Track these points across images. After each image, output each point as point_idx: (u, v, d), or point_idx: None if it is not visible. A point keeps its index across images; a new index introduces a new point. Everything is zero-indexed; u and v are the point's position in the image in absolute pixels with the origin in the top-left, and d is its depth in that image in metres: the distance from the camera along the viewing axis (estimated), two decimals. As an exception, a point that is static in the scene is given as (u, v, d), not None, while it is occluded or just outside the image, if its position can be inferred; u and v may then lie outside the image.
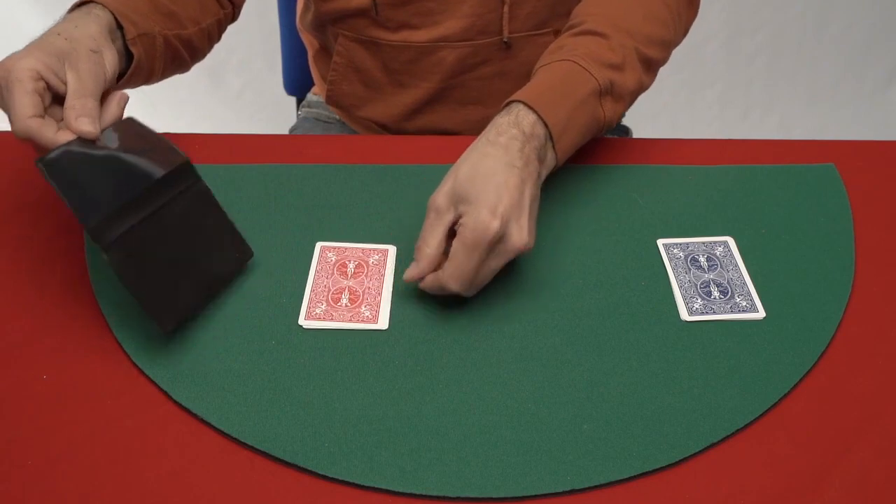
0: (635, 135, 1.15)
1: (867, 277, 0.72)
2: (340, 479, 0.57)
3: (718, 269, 0.73)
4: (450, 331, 0.67)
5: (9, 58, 0.62)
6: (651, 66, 0.80)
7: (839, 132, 1.97)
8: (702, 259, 0.74)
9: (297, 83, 1.26)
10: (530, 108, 0.70)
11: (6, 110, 0.62)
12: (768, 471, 0.59)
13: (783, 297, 0.70)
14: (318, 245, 0.73)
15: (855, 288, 0.72)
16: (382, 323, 0.67)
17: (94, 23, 0.68)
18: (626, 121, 1.15)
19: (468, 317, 0.68)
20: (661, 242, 0.75)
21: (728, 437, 0.61)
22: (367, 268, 0.72)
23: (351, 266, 0.72)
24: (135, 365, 0.64)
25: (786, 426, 0.62)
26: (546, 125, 0.70)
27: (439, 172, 0.81)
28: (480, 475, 0.58)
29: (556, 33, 0.93)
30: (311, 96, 1.14)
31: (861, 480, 0.58)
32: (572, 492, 0.57)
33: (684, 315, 0.69)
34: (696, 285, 0.71)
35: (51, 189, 0.78)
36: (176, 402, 0.62)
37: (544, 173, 0.70)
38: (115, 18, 0.70)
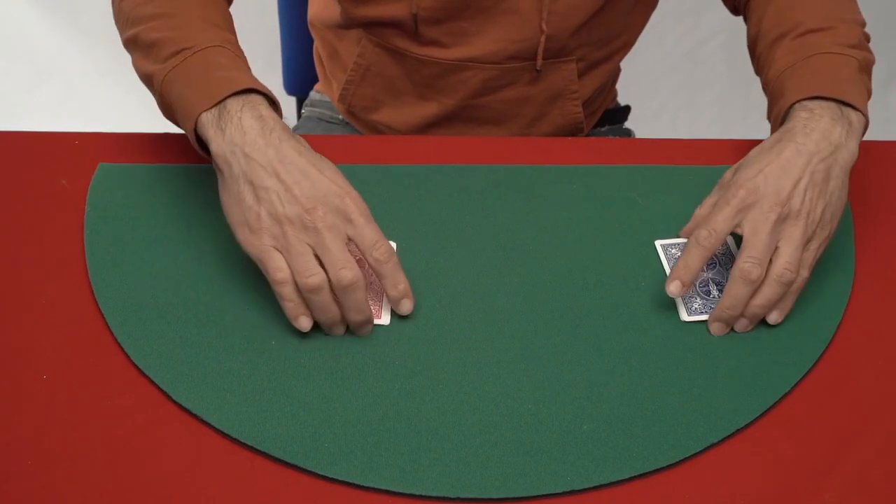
0: (636, 135, 1.15)
1: (867, 277, 0.72)
2: (340, 479, 0.57)
3: (717, 267, 0.73)
4: (450, 331, 0.67)
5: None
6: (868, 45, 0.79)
7: (839, 132, 1.96)
8: (702, 259, 0.74)
9: (298, 83, 1.26)
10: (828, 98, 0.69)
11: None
12: (768, 471, 0.59)
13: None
14: None
15: (855, 288, 0.72)
16: (385, 319, 0.67)
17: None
18: (628, 122, 1.15)
19: (468, 317, 0.68)
20: (658, 244, 0.75)
21: (728, 437, 0.61)
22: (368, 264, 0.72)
23: None
24: (135, 365, 0.64)
25: (786, 426, 0.62)
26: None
27: (440, 173, 0.81)
28: (480, 475, 0.58)
29: (579, 61, 0.94)
30: (314, 94, 1.13)
31: (861, 480, 0.58)
32: (572, 492, 0.57)
33: (683, 315, 0.69)
34: (695, 285, 0.71)
35: (50, 189, 0.78)
36: (176, 402, 0.62)
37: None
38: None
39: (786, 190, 0.65)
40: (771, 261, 0.65)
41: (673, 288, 0.65)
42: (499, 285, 0.71)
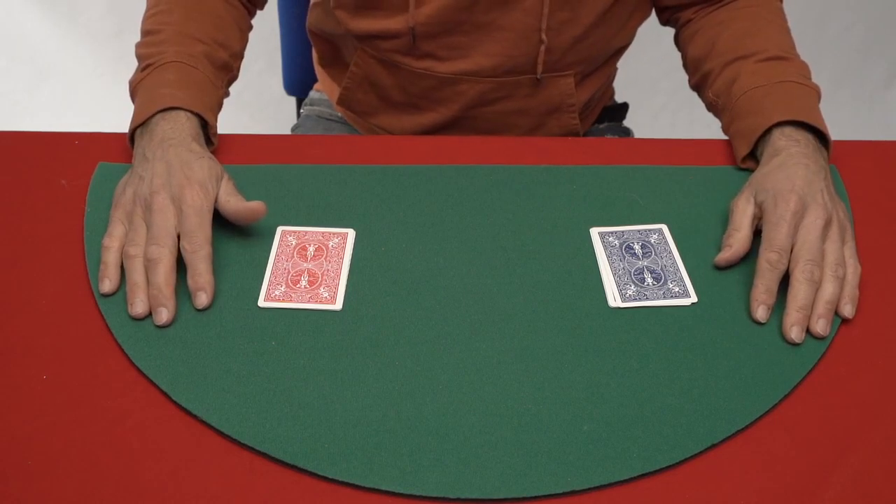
0: (635, 135, 1.15)
1: (867, 277, 0.72)
2: (340, 480, 0.57)
3: (653, 256, 0.73)
4: (450, 331, 0.67)
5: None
6: None
7: (839, 132, 1.96)
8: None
9: (297, 83, 1.26)
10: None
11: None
12: (768, 471, 0.59)
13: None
14: (280, 229, 0.74)
15: (855, 288, 0.72)
16: (338, 304, 0.68)
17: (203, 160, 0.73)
18: (627, 121, 1.15)
19: (468, 317, 0.68)
20: (595, 231, 0.75)
21: (728, 437, 0.61)
22: (327, 251, 0.72)
23: (311, 249, 0.72)
24: (135, 365, 0.64)
25: (786, 427, 0.62)
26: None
27: (440, 173, 0.81)
28: (480, 476, 0.58)
29: (576, 76, 0.94)
30: (313, 94, 1.13)
31: (861, 480, 0.58)
32: (572, 493, 0.57)
33: (616, 302, 0.69)
34: (629, 272, 0.72)
35: (50, 189, 0.78)
36: (176, 403, 0.62)
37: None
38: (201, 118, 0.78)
39: (819, 198, 0.72)
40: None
41: (762, 313, 0.68)
42: (499, 285, 0.71)
